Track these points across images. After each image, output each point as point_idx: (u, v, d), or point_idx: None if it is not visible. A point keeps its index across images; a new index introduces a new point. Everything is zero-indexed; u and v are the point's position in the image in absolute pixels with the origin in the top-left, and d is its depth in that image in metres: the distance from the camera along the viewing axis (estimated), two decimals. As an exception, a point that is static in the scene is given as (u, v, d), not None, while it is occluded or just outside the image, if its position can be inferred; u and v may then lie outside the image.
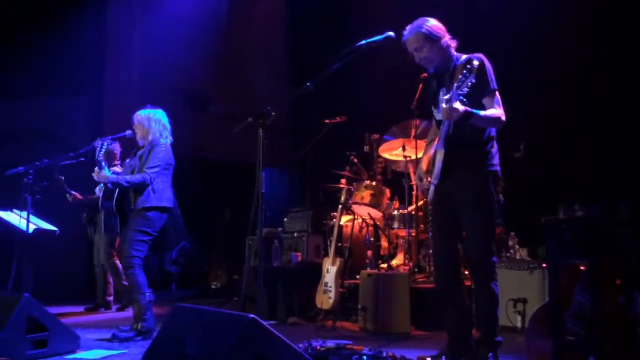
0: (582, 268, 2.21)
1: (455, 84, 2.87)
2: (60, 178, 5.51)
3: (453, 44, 3.16)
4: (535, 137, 6.14)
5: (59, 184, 5.59)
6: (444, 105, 2.91)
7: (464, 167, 3.06)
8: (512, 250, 4.75)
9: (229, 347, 2.18)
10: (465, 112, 2.88)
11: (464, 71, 2.85)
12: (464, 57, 3.11)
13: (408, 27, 3.17)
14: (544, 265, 4.21)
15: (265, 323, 2.28)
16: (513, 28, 6.39)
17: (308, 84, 3.21)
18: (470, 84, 2.84)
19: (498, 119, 3.01)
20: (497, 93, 3.05)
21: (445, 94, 3.01)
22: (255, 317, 2.21)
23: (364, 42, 3.16)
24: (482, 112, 2.97)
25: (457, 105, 2.85)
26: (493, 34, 6.53)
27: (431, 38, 3.08)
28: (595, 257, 2.00)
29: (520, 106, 6.20)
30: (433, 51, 3.10)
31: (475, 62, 2.87)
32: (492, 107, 3.02)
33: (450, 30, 3.22)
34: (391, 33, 3.18)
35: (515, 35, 6.35)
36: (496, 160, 3.14)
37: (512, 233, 4.92)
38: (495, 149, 3.14)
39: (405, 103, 5.22)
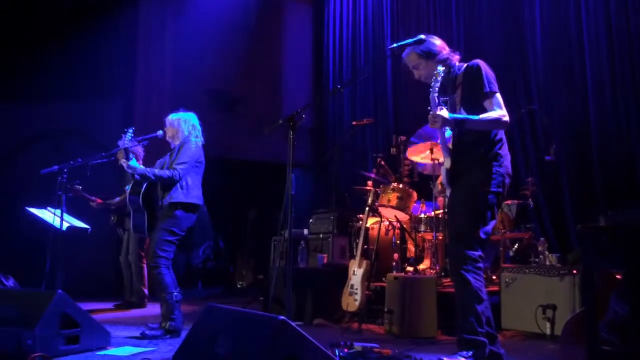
0: (617, 276, 2.17)
1: (430, 91, 2.98)
2: (78, 188, 5.59)
3: (455, 56, 3.25)
4: (568, 139, 6.06)
5: (77, 194, 5.64)
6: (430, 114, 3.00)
7: (469, 172, 3.11)
8: (541, 256, 4.67)
9: (259, 348, 2.20)
10: (454, 119, 2.96)
11: (435, 78, 2.99)
12: (464, 65, 3.20)
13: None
14: (574, 271, 4.14)
15: (294, 324, 2.30)
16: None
17: (339, 86, 3.24)
18: (437, 88, 2.97)
19: (497, 120, 3.03)
20: (496, 95, 3.07)
21: (448, 101, 3.15)
22: (286, 318, 2.23)
23: (395, 45, 3.19)
24: (476, 116, 3.02)
25: (443, 112, 2.94)
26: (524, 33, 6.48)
27: (426, 55, 3.20)
28: (633, 265, 1.96)
29: (553, 108, 6.14)
30: (429, 67, 3.20)
31: (441, 68, 3.01)
32: (491, 109, 3.04)
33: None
34: (422, 36, 3.20)
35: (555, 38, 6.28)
36: (505, 162, 3.14)
37: (542, 238, 4.85)
38: (503, 150, 3.15)
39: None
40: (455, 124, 3.02)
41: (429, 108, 3.01)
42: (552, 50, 6.26)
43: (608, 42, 5.85)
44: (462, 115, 3.07)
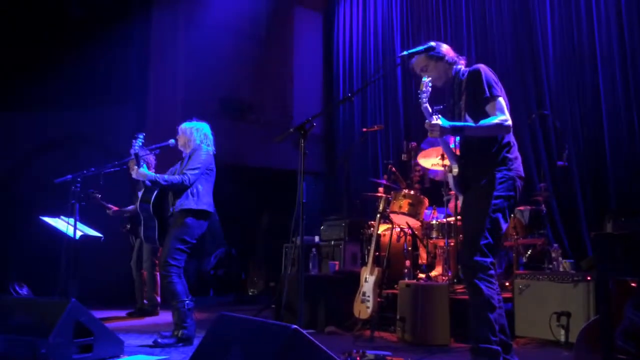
0: (632, 285, 2.14)
1: (420, 103, 2.99)
2: (96, 196, 5.65)
3: (461, 61, 3.27)
4: (580, 144, 6.01)
5: (95, 201, 5.71)
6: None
7: (478, 177, 3.10)
8: (555, 263, 4.63)
9: (272, 358, 2.20)
10: (452, 127, 2.99)
11: (420, 89, 3.01)
12: (467, 71, 3.20)
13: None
14: (589, 278, 4.09)
15: (306, 333, 2.29)
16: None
17: (349, 94, 3.24)
18: (426, 99, 2.99)
19: (497, 125, 3.01)
20: (498, 99, 3.04)
21: (455, 108, 3.19)
22: (298, 328, 2.22)
23: (406, 52, 3.19)
24: (475, 123, 3.03)
25: (440, 121, 2.96)
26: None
27: (435, 56, 3.22)
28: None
29: (565, 112, 6.10)
30: (438, 68, 3.22)
31: (426, 79, 3.03)
32: (493, 114, 3.03)
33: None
34: (432, 43, 3.21)
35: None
36: (515, 165, 3.11)
37: (556, 245, 4.81)
38: (512, 153, 3.12)
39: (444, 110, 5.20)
40: (453, 131, 3.02)
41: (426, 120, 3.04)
42: (564, 54, 6.23)
43: (620, 45, 5.81)
44: (461, 122, 3.07)
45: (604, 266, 2.04)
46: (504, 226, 3.06)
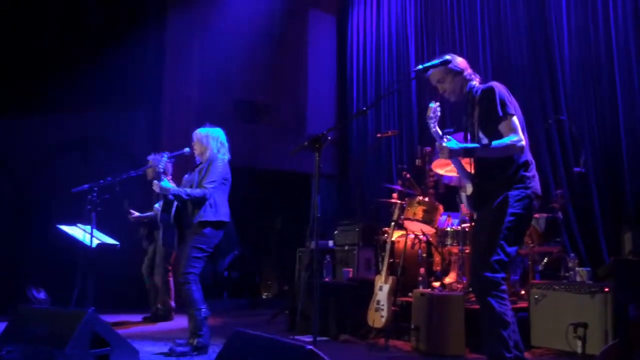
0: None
1: (431, 123, 3.01)
2: (126, 203, 5.77)
3: (476, 78, 3.26)
4: (598, 150, 5.93)
5: (124, 209, 5.91)
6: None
7: (493, 195, 3.07)
8: (571, 272, 4.57)
9: (287, 378, 2.20)
10: (464, 149, 2.99)
11: (428, 115, 3.02)
12: (480, 89, 3.18)
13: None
14: (606, 289, 4.04)
15: (321, 352, 2.28)
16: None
17: (364, 108, 3.24)
18: (434, 123, 2.99)
19: (510, 146, 3.00)
20: (511, 119, 3.02)
21: (469, 125, 3.20)
22: (314, 348, 2.22)
23: (421, 66, 3.18)
24: (486, 145, 3.03)
25: (450, 143, 2.97)
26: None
27: (453, 70, 3.22)
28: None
29: (582, 118, 6.02)
30: (455, 83, 3.23)
31: (433, 105, 3.00)
32: (506, 134, 3.02)
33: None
34: (448, 57, 3.19)
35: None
36: (532, 184, 3.08)
37: (573, 255, 4.75)
38: (530, 172, 3.09)
39: (459, 116, 5.15)
40: (465, 153, 3.02)
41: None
42: (581, 59, 6.14)
43: (638, 49, 5.72)
44: (472, 144, 3.08)
45: (623, 291, 2.01)
46: (515, 247, 3.03)
